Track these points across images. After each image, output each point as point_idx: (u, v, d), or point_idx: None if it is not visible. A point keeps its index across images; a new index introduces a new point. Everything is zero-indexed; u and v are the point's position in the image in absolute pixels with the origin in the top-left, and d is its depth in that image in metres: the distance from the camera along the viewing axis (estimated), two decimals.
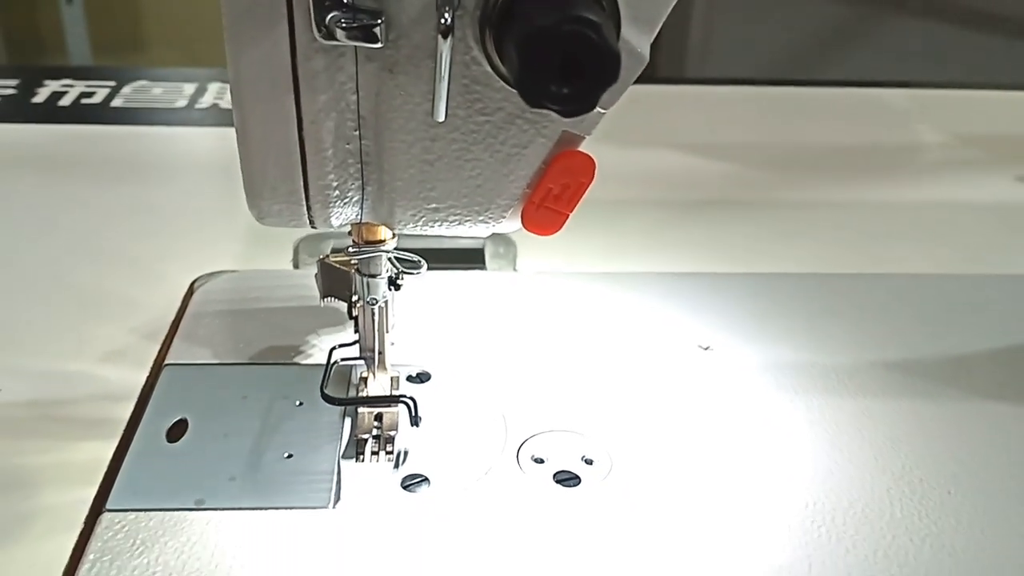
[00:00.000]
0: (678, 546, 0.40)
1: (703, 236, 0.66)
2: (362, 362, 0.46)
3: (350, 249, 0.43)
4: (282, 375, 0.49)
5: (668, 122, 0.86)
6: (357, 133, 0.36)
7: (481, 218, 0.38)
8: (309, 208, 0.38)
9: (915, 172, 0.79)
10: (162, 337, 0.52)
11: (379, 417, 0.45)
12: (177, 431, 0.45)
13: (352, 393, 0.48)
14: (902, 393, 0.49)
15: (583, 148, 0.37)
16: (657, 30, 0.33)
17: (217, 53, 0.36)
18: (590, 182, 0.36)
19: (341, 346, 0.46)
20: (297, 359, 0.50)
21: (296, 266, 0.61)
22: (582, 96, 0.28)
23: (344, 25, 0.32)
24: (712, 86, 0.96)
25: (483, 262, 0.61)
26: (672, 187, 0.74)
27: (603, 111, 0.34)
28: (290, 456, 0.44)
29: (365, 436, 0.44)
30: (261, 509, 0.41)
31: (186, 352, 0.51)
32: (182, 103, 0.84)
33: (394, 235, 0.42)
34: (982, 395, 0.49)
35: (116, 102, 0.84)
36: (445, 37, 0.32)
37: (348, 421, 0.46)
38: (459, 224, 0.38)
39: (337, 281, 0.46)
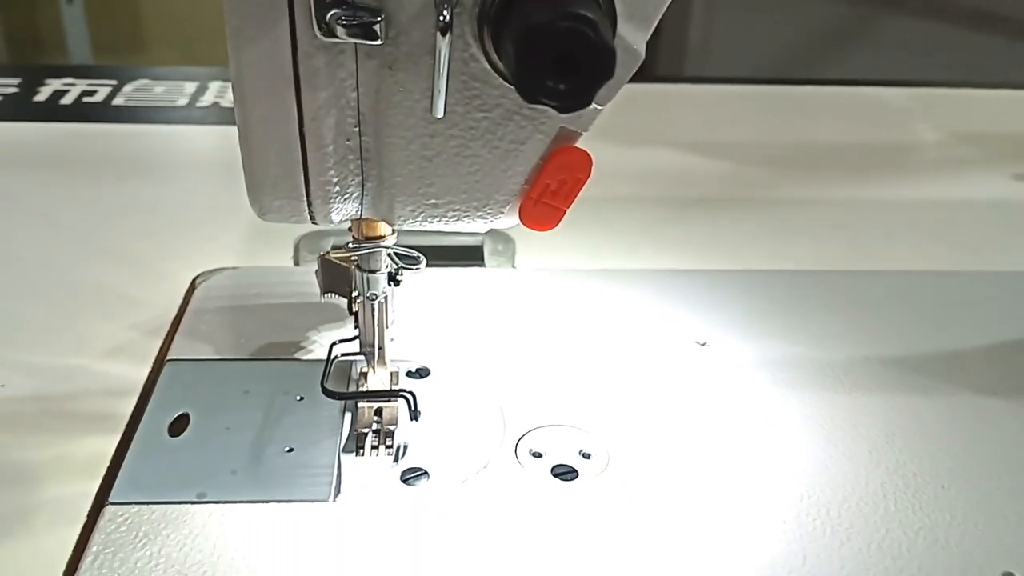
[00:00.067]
0: (674, 539, 0.41)
1: (701, 234, 0.67)
2: (362, 357, 0.47)
3: (350, 245, 0.43)
4: (283, 370, 0.49)
5: (667, 121, 0.86)
6: (357, 129, 0.36)
7: (479, 214, 0.39)
8: (310, 204, 0.38)
9: (913, 170, 0.79)
10: (164, 333, 0.53)
11: (379, 412, 0.46)
12: (179, 425, 0.45)
13: (352, 388, 0.48)
14: (897, 388, 0.50)
15: (580, 144, 0.37)
16: (653, 27, 0.34)
17: (217, 52, 0.36)
18: (587, 178, 0.37)
19: (341, 341, 0.47)
20: (298, 355, 0.51)
21: (296, 263, 0.61)
22: (578, 92, 0.29)
23: (344, 23, 0.33)
24: (711, 85, 0.97)
25: (482, 259, 0.62)
26: (671, 185, 0.75)
27: (599, 107, 0.35)
28: (291, 450, 0.44)
29: (365, 430, 0.45)
30: (262, 502, 0.41)
31: (188, 348, 0.51)
32: (183, 101, 0.84)
33: (394, 231, 0.43)
34: (977, 391, 0.50)
35: (117, 101, 0.84)
36: (444, 34, 0.32)
37: (348, 416, 0.46)
38: (458, 220, 0.39)
39: (337, 277, 0.47)
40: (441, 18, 0.32)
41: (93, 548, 0.39)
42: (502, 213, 0.38)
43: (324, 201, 0.38)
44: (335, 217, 0.39)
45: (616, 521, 0.41)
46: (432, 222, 0.39)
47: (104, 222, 0.65)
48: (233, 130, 0.37)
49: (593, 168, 0.37)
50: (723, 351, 0.52)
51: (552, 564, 0.39)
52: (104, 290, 0.57)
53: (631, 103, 0.85)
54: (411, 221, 0.39)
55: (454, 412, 0.47)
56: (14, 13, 2.15)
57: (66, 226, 0.65)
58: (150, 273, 0.59)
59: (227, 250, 0.62)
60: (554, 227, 0.38)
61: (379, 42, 0.33)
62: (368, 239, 0.43)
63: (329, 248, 0.48)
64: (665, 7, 0.33)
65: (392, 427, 0.45)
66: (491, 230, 0.61)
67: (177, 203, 0.69)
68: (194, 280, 0.57)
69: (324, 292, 0.48)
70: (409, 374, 0.49)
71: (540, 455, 0.45)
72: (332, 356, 0.46)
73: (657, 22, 0.34)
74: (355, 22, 0.33)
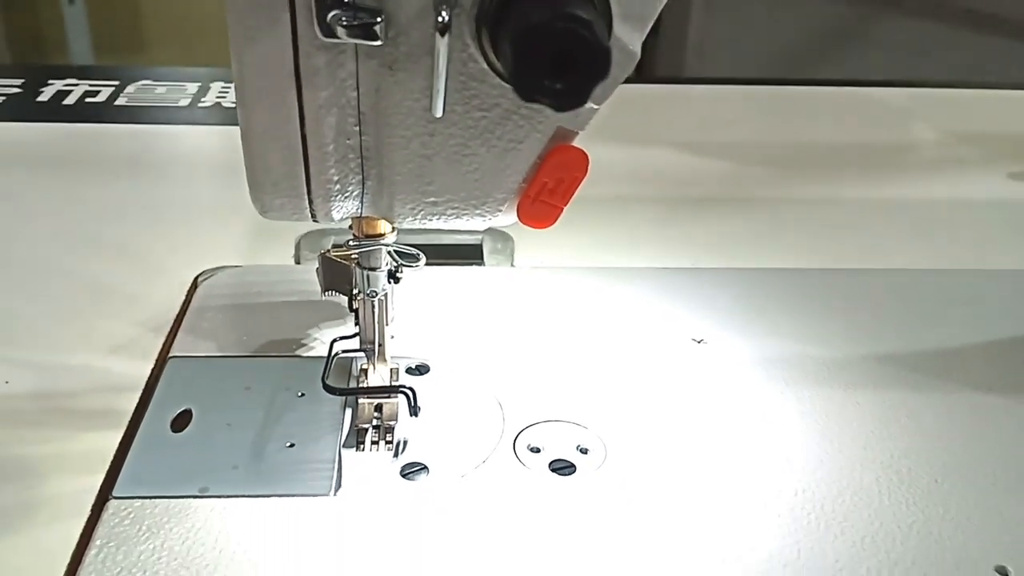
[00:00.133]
0: (671, 533, 0.41)
1: (699, 233, 0.67)
2: (362, 354, 0.47)
3: (350, 243, 0.44)
4: (284, 367, 0.50)
5: (666, 121, 0.87)
6: (357, 129, 0.37)
7: (478, 212, 0.39)
8: (311, 202, 0.39)
9: (910, 170, 0.80)
10: (167, 330, 0.53)
11: (379, 407, 0.46)
12: (181, 421, 0.46)
13: (353, 384, 0.48)
14: (892, 385, 0.50)
15: (578, 143, 0.37)
16: (648, 28, 0.34)
17: (218, 53, 0.37)
18: (583, 176, 0.37)
19: (342, 338, 0.47)
20: (299, 352, 0.51)
21: (297, 261, 0.62)
22: (574, 91, 0.29)
23: (345, 23, 0.33)
24: (709, 85, 0.97)
25: (482, 258, 0.62)
26: (669, 185, 0.75)
27: (596, 107, 0.35)
28: (292, 445, 0.45)
29: (365, 426, 0.45)
30: (264, 496, 0.42)
31: (190, 345, 0.52)
32: (185, 102, 0.85)
33: (393, 229, 0.43)
34: (970, 387, 0.50)
35: (120, 101, 0.85)
36: (443, 35, 0.33)
37: (349, 412, 0.47)
38: (457, 218, 0.39)
39: (338, 275, 0.47)
40: (440, 19, 0.32)
41: (97, 542, 0.39)
42: (500, 211, 0.39)
43: (325, 199, 0.39)
44: (336, 215, 0.39)
45: (613, 515, 0.42)
46: (431, 220, 0.40)
47: (107, 221, 0.66)
48: (234, 130, 0.38)
49: (592, 168, 0.38)
50: (720, 348, 0.53)
51: (550, 557, 0.40)
52: (107, 288, 0.58)
53: (631, 104, 0.85)
54: (411, 219, 0.40)
55: (453, 408, 0.47)
56: (15, 13, 2.16)
57: (70, 225, 0.65)
58: (153, 271, 0.59)
59: (229, 249, 0.62)
60: (552, 225, 0.39)
61: (379, 42, 0.34)
62: (368, 237, 0.43)
63: (330, 246, 0.48)
64: (660, 8, 0.34)
65: (392, 423, 0.45)
66: (490, 229, 0.62)
67: (179, 202, 0.69)
68: (196, 278, 0.58)
69: (325, 290, 0.48)
70: (409, 371, 0.50)
71: (538, 450, 0.45)
72: (333, 353, 0.47)
73: (652, 22, 0.34)
74: (355, 23, 0.33)
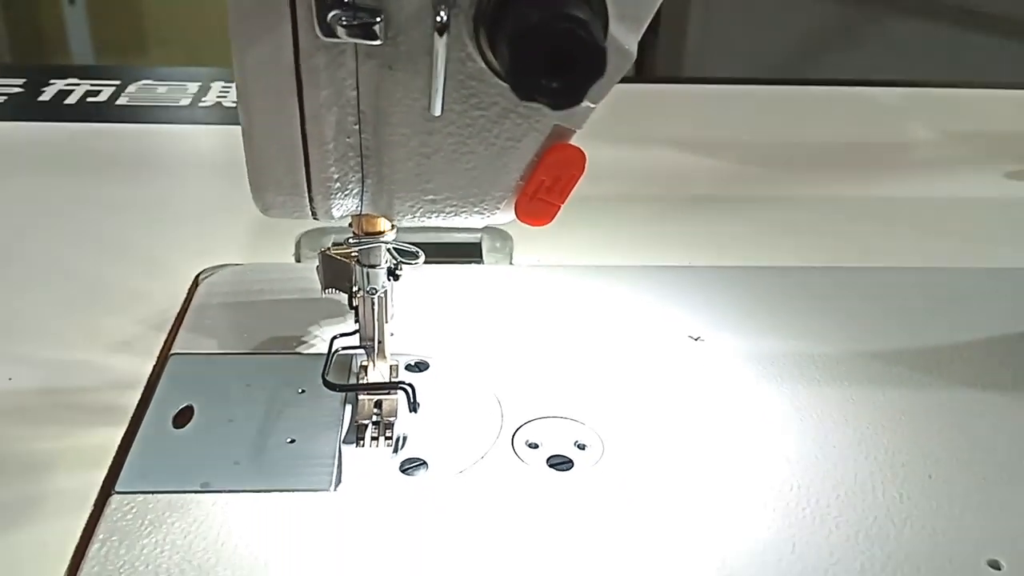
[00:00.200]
0: (667, 527, 0.42)
1: (697, 232, 0.67)
2: (362, 351, 0.48)
3: (350, 240, 0.44)
4: (285, 364, 0.50)
5: (665, 120, 0.87)
6: (357, 127, 0.37)
7: (476, 209, 0.39)
8: (311, 200, 0.39)
9: (907, 169, 0.80)
10: (168, 328, 0.54)
11: (379, 404, 0.47)
12: (183, 417, 0.46)
13: (352, 381, 0.49)
14: (887, 381, 0.51)
15: (576, 143, 0.38)
16: (644, 28, 0.34)
17: (218, 53, 0.37)
18: (580, 174, 0.38)
19: (342, 335, 0.48)
20: (299, 349, 0.51)
21: (298, 260, 0.62)
22: (570, 90, 0.30)
23: (345, 23, 0.33)
24: (708, 85, 0.98)
25: (481, 256, 0.63)
26: (669, 184, 0.76)
27: (592, 105, 0.35)
28: (293, 441, 0.45)
29: (365, 422, 0.46)
30: (264, 491, 0.42)
31: (192, 342, 0.52)
32: (186, 101, 0.85)
33: (393, 226, 0.44)
34: (964, 384, 0.51)
35: (121, 100, 0.85)
36: (441, 34, 0.33)
37: (349, 408, 0.47)
38: (455, 215, 0.40)
39: (338, 273, 0.48)
40: (438, 19, 0.33)
41: (100, 536, 0.40)
42: (498, 209, 0.39)
43: (325, 197, 0.39)
44: (336, 213, 0.40)
45: (610, 510, 0.42)
46: (430, 218, 0.40)
47: (109, 220, 0.66)
48: (235, 129, 0.38)
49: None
50: (716, 345, 0.53)
51: (548, 551, 0.40)
52: (110, 286, 0.58)
53: (630, 103, 0.86)
54: (410, 217, 0.40)
55: (452, 404, 0.48)
56: (16, 14, 2.16)
57: (72, 224, 0.66)
58: (155, 270, 0.60)
59: (230, 247, 0.62)
60: (549, 222, 0.39)
61: (379, 42, 0.34)
62: (368, 235, 0.44)
63: (330, 244, 0.48)
64: (655, 8, 0.34)
65: (392, 419, 0.46)
66: (489, 228, 0.63)
67: (181, 201, 0.70)
68: (198, 276, 0.58)
69: (325, 288, 0.49)
70: (408, 367, 0.50)
71: (536, 446, 0.45)
72: (333, 350, 0.47)
73: (648, 23, 0.34)
74: (355, 23, 0.33)
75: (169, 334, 0.53)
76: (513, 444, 0.46)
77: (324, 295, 0.49)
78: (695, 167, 0.78)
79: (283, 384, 0.48)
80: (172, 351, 0.51)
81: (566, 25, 0.29)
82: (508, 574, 0.39)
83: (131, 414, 0.47)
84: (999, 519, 0.43)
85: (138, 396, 0.49)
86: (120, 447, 0.45)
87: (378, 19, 0.33)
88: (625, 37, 0.34)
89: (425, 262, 0.46)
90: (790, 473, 0.44)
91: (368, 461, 0.44)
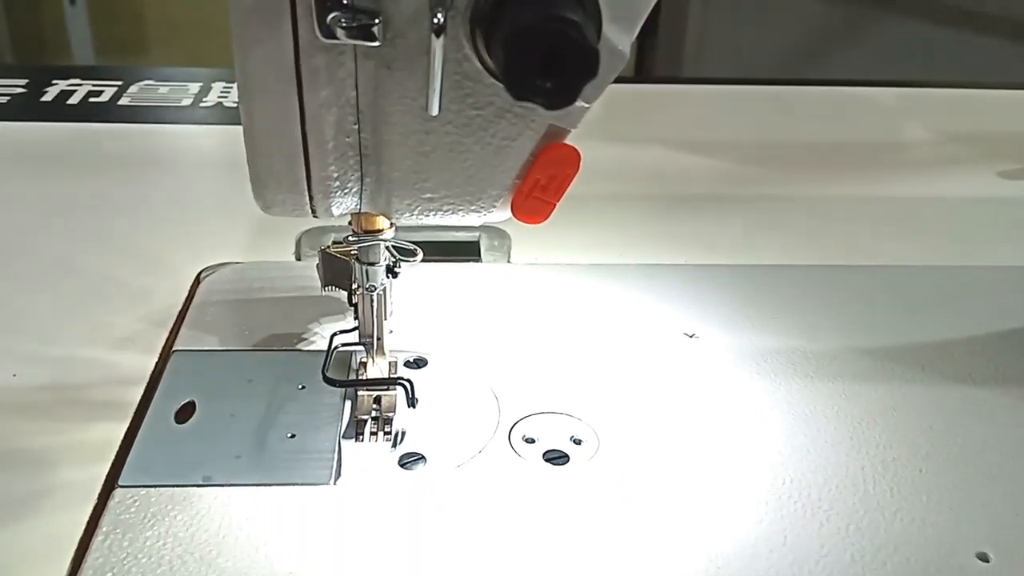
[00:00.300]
0: (661, 520, 0.42)
1: (695, 231, 0.68)
2: (362, 348, 0.48)
3: (350, 238, 0.45)
4: (285, 360, 0.51)
5: (663, 120, 0.88)
6: (356, 127, 0.38)
7: (473, 208, 0.40)
8: (311, 198, 0.40)
9: (901, 168, 0.81)
10: (170, 325, 0.54)
11: (378, 399, 0.47)
12: (185, 413, 0.47)
13: (352, 377, 0.50)
14: (879, 378, 0.51)
15: (576, 142, 0.38)
16: (637, 29, 0.35)
17: (219, 53, 0.38)
18: (575, 173, 0.38)
19: (342, 332, 0.48)
20: (299, 345, 0.52)
21: (298, 258, 0.63)
22: (564, 90, 0.30)
23: (344, 25, 0.34)
24: (706, 85, 0.98)
25: (479, 255, 0.63)
26: (665, 183, 0.76)
27: (586, 105, 0.36)
28: (293, 436, 0.46)
29: (364, 417, 0.46)
30: (265, 485, 0.43)
31: (193, 339, 0.53)
32: (187, 101, 0.86)
33: (392, 224, 0.44)
34: (955, 380, 0.51)
35: (123, 101, 0.86)
36: (438, 36, 0.34)
37: (348, 403, 0.48)
38: (453, 213, 0.40)
39: (338, 271, 0.48)
40: (435, 20, 0.33)
41: (103, 528, 0.41)
42: (495, 207, 0.40)
43: (325, 196, 0.40)
44: (335, 211, 0.40)
45: (606, 504, 0.43)
46: (428, 216, 0.41)
47: (112, 218, 0.67)
48: (236, 129, 0.39)
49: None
50: (711, 342, 0.54)
51: (544, 544, 0.41)
52: (113, 284, 0.59)
53: (629, 103, 0.87)
54: (408, 215, 0.41)
55: (450, 400, 0.49)
56: (17, 14, 2.17)
57: (75, 222, 0.66)
58: (157, 267, 0.60)
59: (231, 246, 0.63)
60: (545, 220, 0.40)
61: (377, 43, 0.35)
62: (367, 232, 0.44)
63: (330, 243, 0.49)
64: (648, 10, 0.35)
65: (390, 414, 0.47)
66: (487, 226, 0.63)
67: (182, 200, 0.70)
68: (199, 274, 0.59)
69: (325, 285, 0.49)
70: (407, 363, 0.51)
71: (533, 441, 0.46)
72: (333, 346, 0.48)
73: (641, 24, 0.35)
74: (354, 24, 0.34)
75: (171, 331, 0.54)
76: (510, 439, 0.46)
77: (324, 293, 0.49)
78: (693, 167, 0.79)
79: (283, 380, 0.49)
80: (174, 348, 0.52)
81: (559, 27, 0.30)
82: (505, 566, 0.40)
83: (134, 409, 0.48)
84: (987, 512, 0.43)
85: (141, 392, 0.49)
86: (123, 442, 0.46)
87: (377, 21, 0.34)
88: (618, 38, 0.35)
89: (424, 260, 0.47)
90: (782, 467, 0.45)
91: (367, 455, 0.45)
